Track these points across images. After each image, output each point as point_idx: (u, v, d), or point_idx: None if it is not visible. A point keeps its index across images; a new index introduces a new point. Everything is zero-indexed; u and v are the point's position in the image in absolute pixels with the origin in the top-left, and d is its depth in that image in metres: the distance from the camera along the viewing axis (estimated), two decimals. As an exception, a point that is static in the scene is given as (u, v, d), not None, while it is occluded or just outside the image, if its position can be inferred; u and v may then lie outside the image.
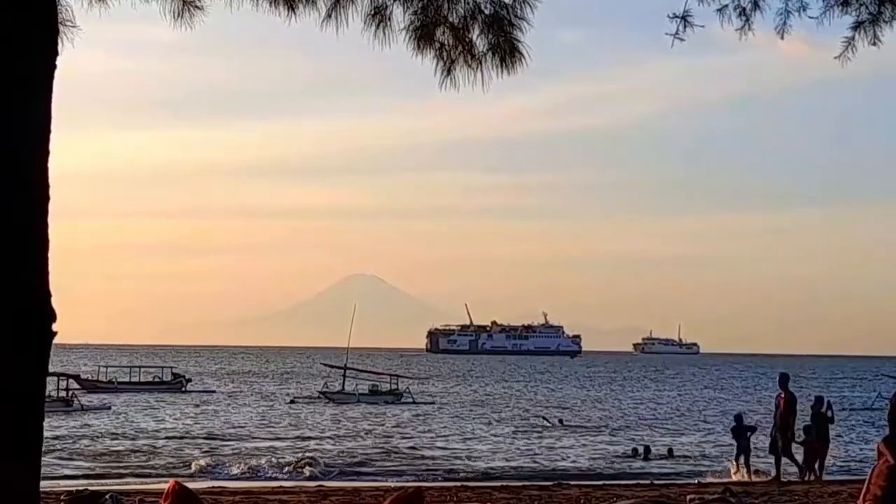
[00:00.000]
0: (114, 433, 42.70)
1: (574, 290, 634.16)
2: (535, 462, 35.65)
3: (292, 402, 67.11)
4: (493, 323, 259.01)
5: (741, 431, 27.92)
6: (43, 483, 7.90)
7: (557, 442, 42.70)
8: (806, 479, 25.50)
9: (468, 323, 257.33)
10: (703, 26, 10.29)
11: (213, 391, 78.89)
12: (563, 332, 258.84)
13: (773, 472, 25.82)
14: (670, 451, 37.38)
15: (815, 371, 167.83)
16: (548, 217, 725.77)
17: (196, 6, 9.14)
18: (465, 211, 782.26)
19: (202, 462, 32.63)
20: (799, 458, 26.43)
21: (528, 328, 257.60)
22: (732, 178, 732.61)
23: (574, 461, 36.02)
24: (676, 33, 10.26)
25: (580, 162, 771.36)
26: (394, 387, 68.52)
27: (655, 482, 26.00)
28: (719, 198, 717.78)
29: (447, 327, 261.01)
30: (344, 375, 68.45)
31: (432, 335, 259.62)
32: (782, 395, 25.70)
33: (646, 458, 36.11)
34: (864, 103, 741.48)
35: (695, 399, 75.85)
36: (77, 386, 62.29)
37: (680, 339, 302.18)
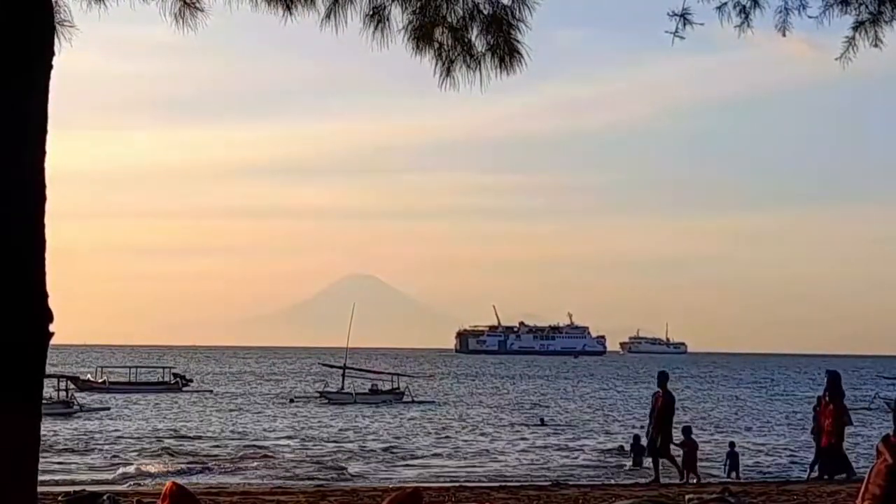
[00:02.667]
0: (112, 434, 42.67)
1: (565, 290, 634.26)
2: (532, 462, 35.62)
3: (291, 401, 67.11)
4: (521, 324, 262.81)
5: (638, 450, 29.79)
6: (40, 484, 7.89)
7: (554, 441, 42.70)
8: (685, 480, 24.84)
9: (496, 324, 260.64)
10: (702, 24, 10.27)
11: (211, 391, 78.83)
12: (589, 333, 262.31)
13: (665, 474, 25.29)
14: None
15: (809, 371, 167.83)
16: (545, 218, 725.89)
17: (197, 7, 9.13)
18: (462, 211, 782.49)
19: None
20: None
21: (555, 329, 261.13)
22: (726, 179, 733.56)
23: (572, 461, 35.96)
24: (676, 31, 10.23)
25: (577, 163, 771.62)
26: (394, 386, 68.42)
27: (653, 482, 25.93)
28: (713, 198, 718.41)
29: (476, 328, 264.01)
30: (343, 375, 68.43)
31: (462, 336, 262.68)
32: (660, 395, 24.94)
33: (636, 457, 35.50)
34: (862, 104, 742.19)
35: (681, 399, 75.59)
36: (74, 387, 62.15)
37: (667, 339, 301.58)
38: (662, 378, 25.19)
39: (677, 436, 25.75)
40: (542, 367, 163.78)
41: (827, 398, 25.00)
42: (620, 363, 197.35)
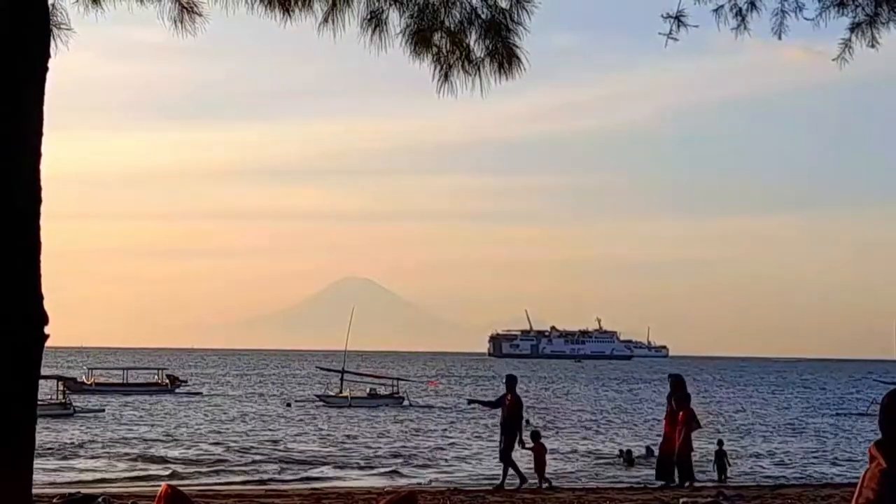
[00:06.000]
0: (106, 436, 42.58)
1: (555, 292, 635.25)
2: (527, 465, 35.51)
3: (288, 405, 66.94)
4: (553, 328, 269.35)
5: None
6: (36, 486, 7.89)
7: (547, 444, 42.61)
8: (534, 485, 24.28)
9: (528, 328, 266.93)
10: (697, 26, 10.21)
11: (201, 393, 78.24)
12: (617, 338, 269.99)
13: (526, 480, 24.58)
14: (649, 449, 36.53)
15: (796, 374, 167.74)
16: (538, 220, 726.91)
17: (195, 12, 9.12)
18: (457, 213, 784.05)
19: None
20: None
21: (585, 333, 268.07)
22: (716, 183, 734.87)
23: (565, 463, 35.89)
24: (670, 33, 10.18)
25: (572, 166, 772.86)
26: (394, 391, 68.19)
27: (648, 486, 25.91)
28: (706, 202, 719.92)
29: (509, 332, 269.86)
30: (342, 379, 68.24)
31: (495, 340, 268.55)
32: (509, 398, 24.51)
33: (629, 463, 35.14)
34: (860, 108, 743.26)
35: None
36: (66, 388, 61.97)
37: (649, 342, 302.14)
38: (511, 381, 24.84)
39: (526, 440, 24.92)
40: (565, 370, 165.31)
41: (674, 404, 24.56)
42: (617, 366, 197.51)
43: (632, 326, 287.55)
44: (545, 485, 24.49)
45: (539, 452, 25.01)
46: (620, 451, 37.64)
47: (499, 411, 25.01)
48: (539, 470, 24.83)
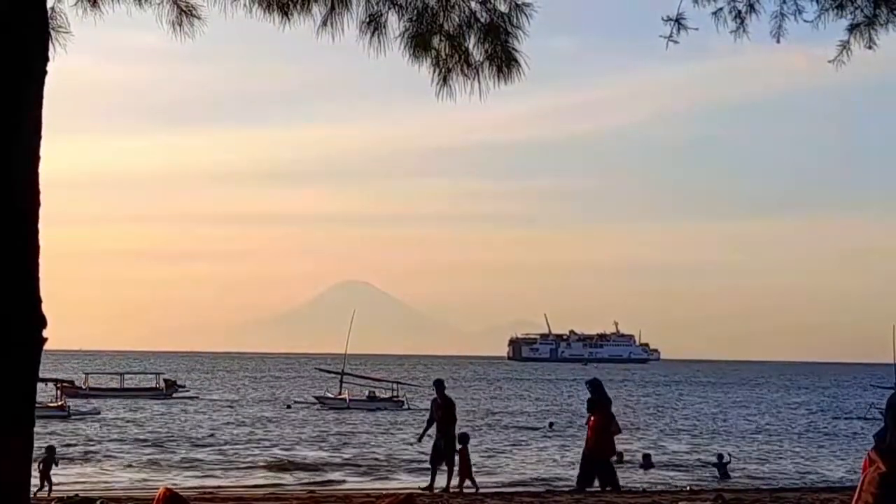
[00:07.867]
0: (104, 438, 42.58)
1: (554, 295, 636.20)
2: (526, 468, 35.56)
3: (288, 407, 66.95)
4: (571, 332, 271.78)
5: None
6: (34, 488, 7.88)
7: (548, 447, 42.59)
8: (460, 488, 24.26)
9: (547, 332, 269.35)
10: (697, 29, 10.19)
11: (198, 397, 78.05)
12: (634, 341, 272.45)
13: (454, 481, 24.58)
14: (646, 457, 36.15)
15: (791, 378, 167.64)
16: (536, 224, 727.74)
17: (194, 15, 9.12)
18: (455, 217, 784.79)
19: None
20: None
21: (602, 337, 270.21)
22: (715, 185, 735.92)
23: (566, 467, 35.88)
24: (670, 36, 10.16)
25: (570, 169, 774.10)
26: (394, 394, 68.09)
27: (647, 489, 25.92)
28: (704, 205, 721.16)
29: (528, 335, 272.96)
30: (341, 381, 68.21)
31: (514, 343, 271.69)
32: (439, 402, 25.05)
33: (646, 466, 34.96)
34: (857, 111, 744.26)
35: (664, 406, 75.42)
36: (64, 391, 61.97)
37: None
38: (439, 386, 25.61)
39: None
40: (582, 372, 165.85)
41: (588, 407, 24.53)
42: (616, 369, 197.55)
43: (630, 329, 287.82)
44: (473, 489, 24.40)
45: (463, 455, 24.91)
46: (620, 453, 37.34)
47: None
48: (463, 473, 24.76)
